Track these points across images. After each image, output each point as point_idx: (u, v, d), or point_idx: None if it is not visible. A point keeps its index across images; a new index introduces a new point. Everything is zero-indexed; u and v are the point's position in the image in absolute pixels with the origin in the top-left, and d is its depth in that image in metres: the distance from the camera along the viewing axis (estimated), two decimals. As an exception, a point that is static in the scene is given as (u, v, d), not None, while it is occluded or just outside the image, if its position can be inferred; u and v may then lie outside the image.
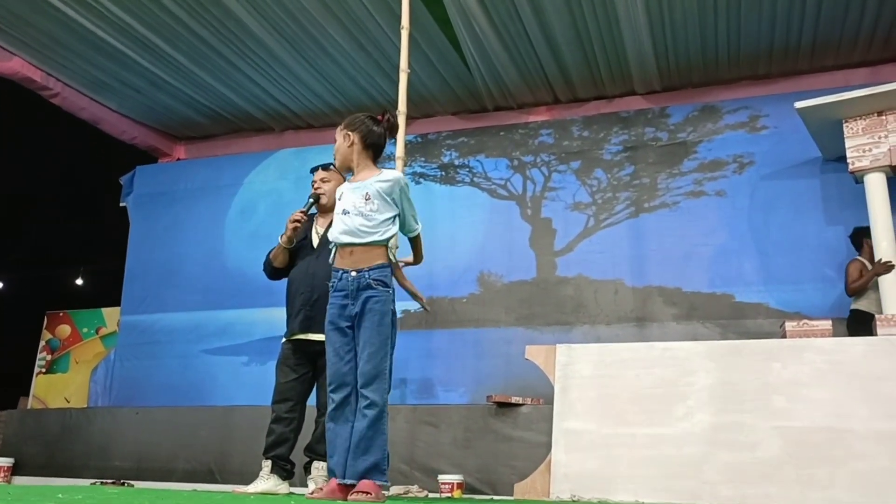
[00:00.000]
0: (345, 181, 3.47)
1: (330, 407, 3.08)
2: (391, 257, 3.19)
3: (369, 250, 3.12)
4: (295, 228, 4.17)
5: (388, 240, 3.16)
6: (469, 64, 6.78)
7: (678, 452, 3.95)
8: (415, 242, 3.51)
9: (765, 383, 3.98)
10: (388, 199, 3.17)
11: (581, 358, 4.40)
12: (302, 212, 4.17)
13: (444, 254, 7.05)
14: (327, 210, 4.24)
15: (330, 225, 4.27)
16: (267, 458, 4.04)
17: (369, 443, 2.94)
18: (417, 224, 3.33)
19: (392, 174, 3.22)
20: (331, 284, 3.18)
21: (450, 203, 7.32)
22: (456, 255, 7.09)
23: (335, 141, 3.32)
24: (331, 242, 3.23)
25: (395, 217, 3.19)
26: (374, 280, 3.09)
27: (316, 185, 4.30)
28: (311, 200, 4.26)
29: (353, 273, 3.10)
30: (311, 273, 4.15)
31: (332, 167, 4.30)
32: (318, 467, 4.01)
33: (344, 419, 3.03)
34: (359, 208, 3.13)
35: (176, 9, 6.12)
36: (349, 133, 3.26)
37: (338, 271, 3.16)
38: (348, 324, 3.11)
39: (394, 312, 3.17)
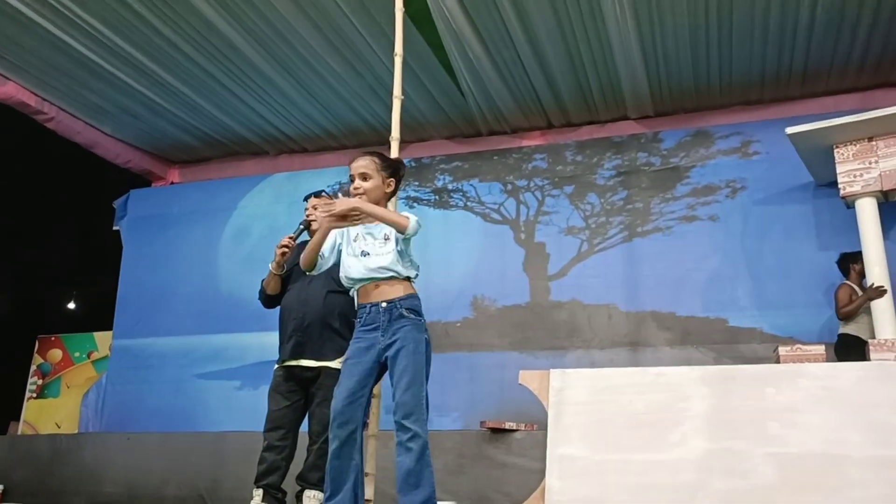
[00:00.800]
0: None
1: (333, 444, 3.00)
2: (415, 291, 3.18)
3: (396, 283, 3.11)
4: (283, 254, 4.16)
5: (413, 276, 3.17)
6: (463, 89, 6.81)
7: (673, 479, 3.93)
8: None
9: (759, 409, 3.96)
10: (405, 240, 3.16)
11: (575, 383, 4.38)
12: (291, 238, 4.17)
13: (438, 278, 7.04)
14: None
15: (296, 236, 4.28)
16: (259, 487, 4.00)
17: (419, 477, 2.90)
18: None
19: (409, 218, 3.17)
20: (357, 320, 3.15)
21: (443, 227, 7.33)
22: (450, 279, 7.08)
23: (351, 162, 3.26)
24: (349, 283, 3.19)
25: (411, 256, 3.20)
26: (406, 309, 3.08)
27: (308, 212, 4.30)
28: (302, 227, 4.26)
29: (384, 304, 3.08)
30: (303, 299, 4.15)
31: (324, 194, 4.33)
32: (310, 496, 3.97)
33: (349, 457, 2.98)
34: (378, 251, 3.13)
35: (171, 34, 6.15)
36: (390, 179, 3.24)
37: (365, 306, 3.12)
38: (373, 360, 3.06)
39: (428, 342, 3.15)
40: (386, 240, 3.14)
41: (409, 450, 2.92)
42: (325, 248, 3.21)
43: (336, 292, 4.16)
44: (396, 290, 3.10)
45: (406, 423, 2.94)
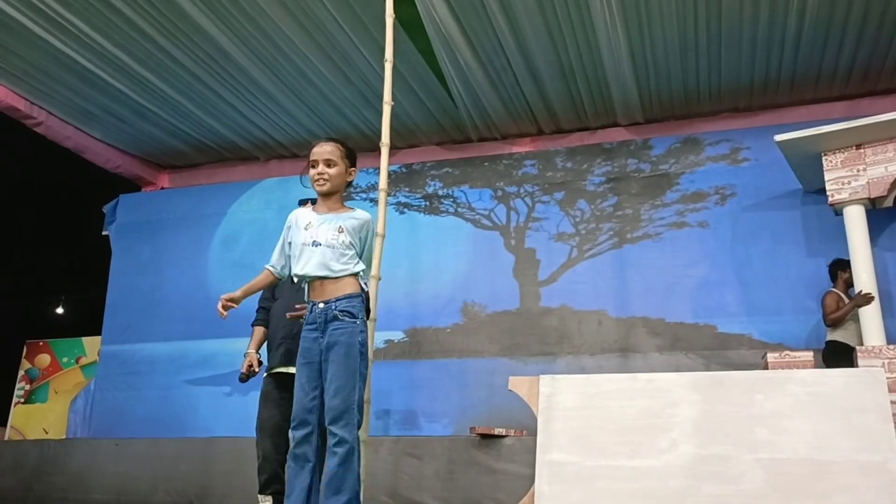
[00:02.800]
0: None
1: (291, 445, 3.04)
2: (362, 286, 3.18)
3: (339, 282, 3.12)
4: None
5: (357, 273, 3.16)
6: (453, 95, 6.83)
7: (662, 485, 3.94)
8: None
9: (748, 415, 3.98)
10: (357, 236, 3.19)
11: (565, 389, 4.39)
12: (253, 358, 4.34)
13: (428, 284, 7.06)
14: None
15: None
16: (266, 495, 4.01)
17: (340, 482, 2.89)
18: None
19: (365, 214, 3.26)
20: (303, 319, 3.18)
21: (434, 233, 7.33)
22: (440, 285, 7.09)
23: (315, 147, 3.28)
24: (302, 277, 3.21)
25: (359, 253, 3.22)
26: (340, 311, 3.07)
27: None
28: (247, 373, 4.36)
29: (321, 305, 3.10)
30: (292, 307, 4.16)
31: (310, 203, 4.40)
32: None
33: (304, 458, 2.99)
34: (330, 241, 3.14)
35: (161, 40, 6.14)
36: (352, 168, 3.30)
37: (309, 303, 3.17)
38: (318, 358, 3.08)
39: (363, 343, 3.11)
40: (340, 232, 3.16)
41: (334, 454, 2.92)
42: (275, 253, 3.29)
43: None
44: (336, 290, 3.11)
45: (333, 428, 2.94)
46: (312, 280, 3.15)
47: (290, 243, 3.27)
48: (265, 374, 4.23)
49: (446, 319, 7.02)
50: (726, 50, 6.16)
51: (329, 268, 3.11)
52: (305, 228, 3.21)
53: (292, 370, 4.01)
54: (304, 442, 3.01)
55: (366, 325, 3.15)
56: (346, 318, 3.06)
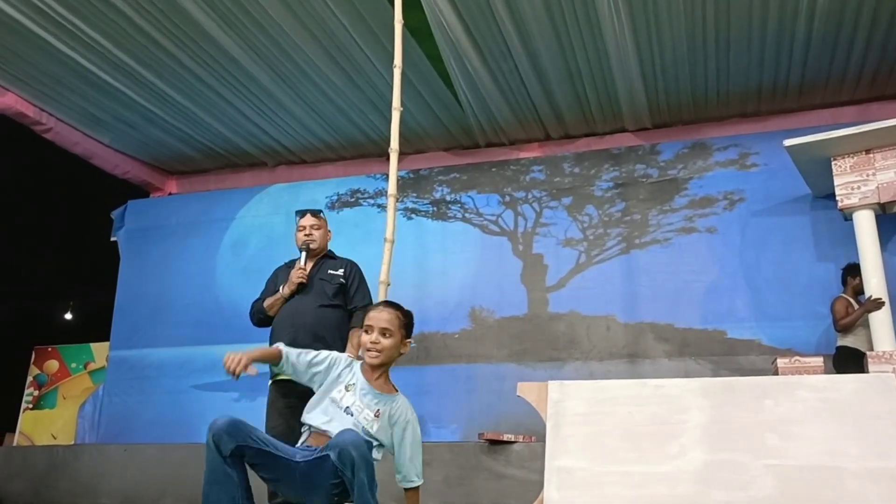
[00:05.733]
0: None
1: None
2: None
3: None
4: (301, 284, 4.24)
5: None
6: (461, 101, 6.83)
7: (672, 491, 3.92)
8: (412, 498, 3.04)
9: (758, 421, 3.96)
10: (389, 430, 2.96)
11: (573, 395, 4.37)
12: (303, 268, 4.22)
13: (436, 289, 7.05)
14: (315, 254, 4.39)
15: (315, 265, 4.32)
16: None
17: None
18: (418, 477, 3.00)
19: (411, 411, 3.02)
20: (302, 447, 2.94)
21: (441, 239, 7.33)
22: (448, 291, 7.08)
23: (372, 311, 3.04)
24: (305, 426, 2.98)
25: (380, 447, 2.96)
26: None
27: (306, 233, 4.34)
28: (305, 253, 4.31)
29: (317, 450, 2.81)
30: (294, 313, 4.20)
31: (321, 214, 4.41)
32: None
33: None
34: (362, 422, 2.90)
35: (170, 46, 6.16)
36: (408, 340, 3.06)
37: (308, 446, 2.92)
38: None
39: None
40: (377, 418, 2.91)
41: None
42: (300, 353, 3.01)
43: (327, 306, 4.22)
44: None
45: None
46: (321, 434, 2.90)
47: (317, 373, 3.01)
48: (270, 383, 4.23)
49: (454, 325, 7.01)
50: (735, 54, 6.15)
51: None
52: (347, 389, 2.96)
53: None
54: None
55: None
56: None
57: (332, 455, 2.61)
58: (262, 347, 3.10)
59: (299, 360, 3.00)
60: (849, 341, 5.64)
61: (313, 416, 2.96)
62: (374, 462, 2.76)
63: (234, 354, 2.78)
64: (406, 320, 3.06)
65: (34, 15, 5.80)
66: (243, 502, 2.74)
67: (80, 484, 6.22)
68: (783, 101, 6.83)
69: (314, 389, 3.04)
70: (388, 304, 3.12)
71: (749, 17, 5.68)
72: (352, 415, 2.90)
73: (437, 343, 6.90)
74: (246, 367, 2.75)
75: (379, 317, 3.00)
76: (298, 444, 2.96)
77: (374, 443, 2.89)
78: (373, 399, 2.96)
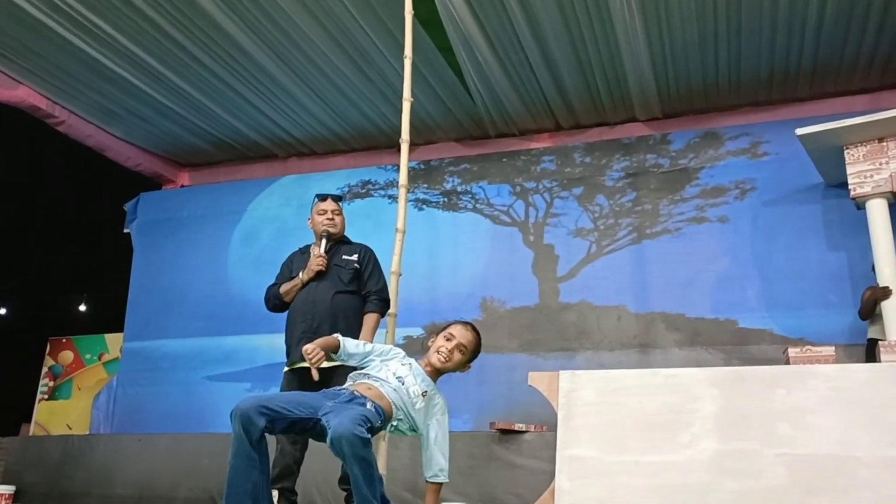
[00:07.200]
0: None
1: None
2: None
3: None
4: (320, 271, 4.25)
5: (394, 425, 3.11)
6: (471, 91, 6.83)
7: (683, 480, 3.93)
8: (434, 494, 3.17)
9: (769, 410, 3.96)
10: (427, 414, 3.16)
11: (584, 384, 4.39)
12: (322, 255, 4.24)
13: (447, 280, 7.07)
14: (334, 240, 4.41)
15: (330, 250, 4.34)
16: (274, 489, 4.02)
17: None
18: (442, 473, 3.14)
19: (444, 403, 3.24)
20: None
21: (452, 229, 7.34)
22: (458, 282, 7.09)
23: (457, 326, 3.32)
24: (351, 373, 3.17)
25: (414, 428, 3.15)
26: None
27: (328, 217, 4.35)
28: (326, 239, 4.32)
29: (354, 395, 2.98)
30: (312, 300, 4.19)
31: (330, 198, 4.43)
32: None
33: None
34: (410, 394, 3.10)
35: (181, 38, 6.18)
36: (468, 365, 3.33)
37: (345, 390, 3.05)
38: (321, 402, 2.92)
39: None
40: (423, 396, 3.12)
41: None
42: (356, 344, 3.22)
43: (343, 293, 4.22)
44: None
45: None
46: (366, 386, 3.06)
47: (374, 357, 3.22)
48: (285, 370, 4.24)
49: (465, 315, 7.00)
50: (746, 42, 6.12)
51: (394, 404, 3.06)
52: (402, 363, 3.19)
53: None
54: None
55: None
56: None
57: (327, 440, 2.66)
58: (323, 338, 3.23)
59: (357, 349, 3.22)
60: (872, 332, 5.60)
61: (366, 372, 3.13)
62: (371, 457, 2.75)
63: (312, 347, 3.02)
64: (477, 349, 3.33)
65: (46, 8, 5.83)
66: (263, 486, 2.84)
67: (95, 473, 6.29)
68: (794, 89, 6.79)
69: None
70: (475, 329, 3.36)
71: (760, 4, 5.65)
72: (403, 384, 3.09)
73: (449, 333, 6.90)
74: (322, 357, 3.02)
75: (465, 335, 3.28)
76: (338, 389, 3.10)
77: (412, 416, 3.07)
78: (423, 381, 3.16)
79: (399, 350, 3.29)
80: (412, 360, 3.24)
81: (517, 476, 4.93)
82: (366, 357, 3.22)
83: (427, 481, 3.15)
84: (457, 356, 3.23)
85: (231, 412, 2.78)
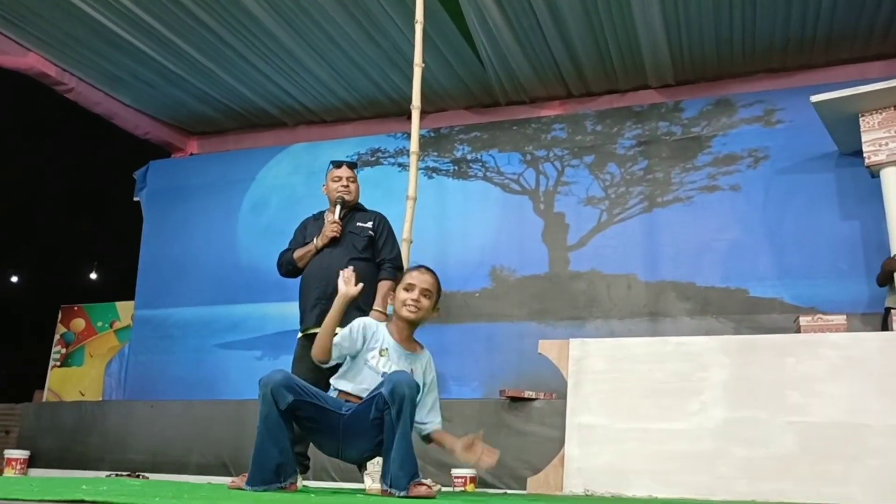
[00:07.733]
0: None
1: None
2: None
3: None
4: (334, 238, 4.25)
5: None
6: (482, 58, 6.77)
7: (692, 447, 3.95)
8: (441, 439, 3.31)
9: (779, 378, 3.96)
10: (423, 380, 3.21)
11: (594, 352, 4.40)
12: (337, 221, 4.23)
13: (457, 248, 7.06)
14: (348, 206, 4.39)
15: (343, 217, 4.33)
16: None
17: None
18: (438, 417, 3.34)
19: (428, 360, 3.32)
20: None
21: (462, 197, 7.32)
22: (468, 250, 7.08)
23: (416, 271, 3.28)
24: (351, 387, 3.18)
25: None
26: None
27: (343, 184, 4.34)
28: (341, 206, 4.30)
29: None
30: (326, 266, 4.18)
31: (345, 165, 4.39)
32: (374, 462, 4.00)
33: None
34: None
35: (190, 4, 6.13)
36: (436, 309, 3.29)
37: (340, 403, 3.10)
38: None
39: None
40: (411, 374, 3.09)
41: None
42: (344, 342, 3.16)
43: (358, 259, 4.21)
44: None
45: None
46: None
47: (356, 344, 3.19)
48: (299, 335, 4.26)
49: (475, 284, 7.02)
50: (761, 7, 6.03)
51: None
52: (381, 354, 3.18)
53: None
54: None
55: None
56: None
57: (385, 390, 2.78)
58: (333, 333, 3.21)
59: (343, 344, 3.17)
60: (889, 301, 5.57)
61: (345, 382, 3.17)
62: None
63: (348, 273, 3.26)
64: (440, 294, 3.29)
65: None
66: (291, 452, 2.92)
67: (108, 439, 6.36)
68: (810, 56, 6.70)
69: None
70: (430, 269, 3.31)
71: (776, -30, 5.57)
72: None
73: (458, 302, 6.92)
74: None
75: (423, 279, 3.23)
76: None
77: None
78: (405, 361, 3.20)
79: (366, 324, 3.23)
80: (383, 332, 3.22)
81: (527, 443, 4.96)
82: (354, 345, 3.19)
83: (430, 436, 3.33)
84: (424, 302, 3.20)
85: (261, 379, 2.88)
